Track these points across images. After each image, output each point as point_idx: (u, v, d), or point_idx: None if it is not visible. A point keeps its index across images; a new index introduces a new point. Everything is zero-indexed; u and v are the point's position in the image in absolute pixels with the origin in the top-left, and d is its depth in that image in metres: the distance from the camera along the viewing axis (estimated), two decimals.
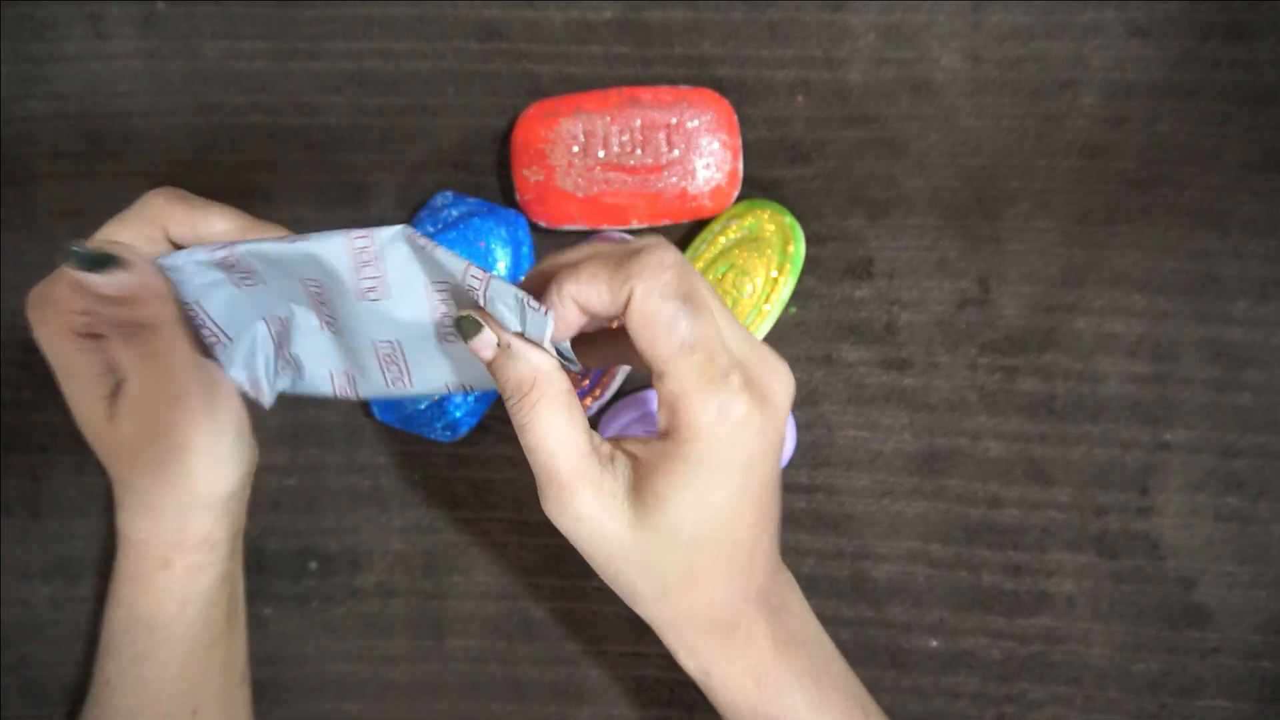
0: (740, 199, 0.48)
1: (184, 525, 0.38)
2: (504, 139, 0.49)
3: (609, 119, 0.46)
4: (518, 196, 0.47)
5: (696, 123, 0.46)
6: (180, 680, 0.39)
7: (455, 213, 0.47)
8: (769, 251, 0.46)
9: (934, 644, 0.48)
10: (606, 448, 0.34)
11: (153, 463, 0.36)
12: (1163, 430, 0.48)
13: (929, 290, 0.49)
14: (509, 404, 0.33)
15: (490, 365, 0.33)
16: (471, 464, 0.49)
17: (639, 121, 0.46)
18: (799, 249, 0.46)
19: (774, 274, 0.46)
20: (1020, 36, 0.48)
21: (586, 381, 0.47)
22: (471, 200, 0.48)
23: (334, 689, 0.49)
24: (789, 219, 0.46)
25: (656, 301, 0.31)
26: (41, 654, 0.49)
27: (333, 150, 0.49)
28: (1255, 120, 0.48)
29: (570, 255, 0.35)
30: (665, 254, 0.32)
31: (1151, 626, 0.48)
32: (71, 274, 0.31)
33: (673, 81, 0.49)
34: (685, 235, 0.49)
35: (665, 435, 0.33)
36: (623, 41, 0.49)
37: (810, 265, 0.49)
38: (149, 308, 0.33)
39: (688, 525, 0.33)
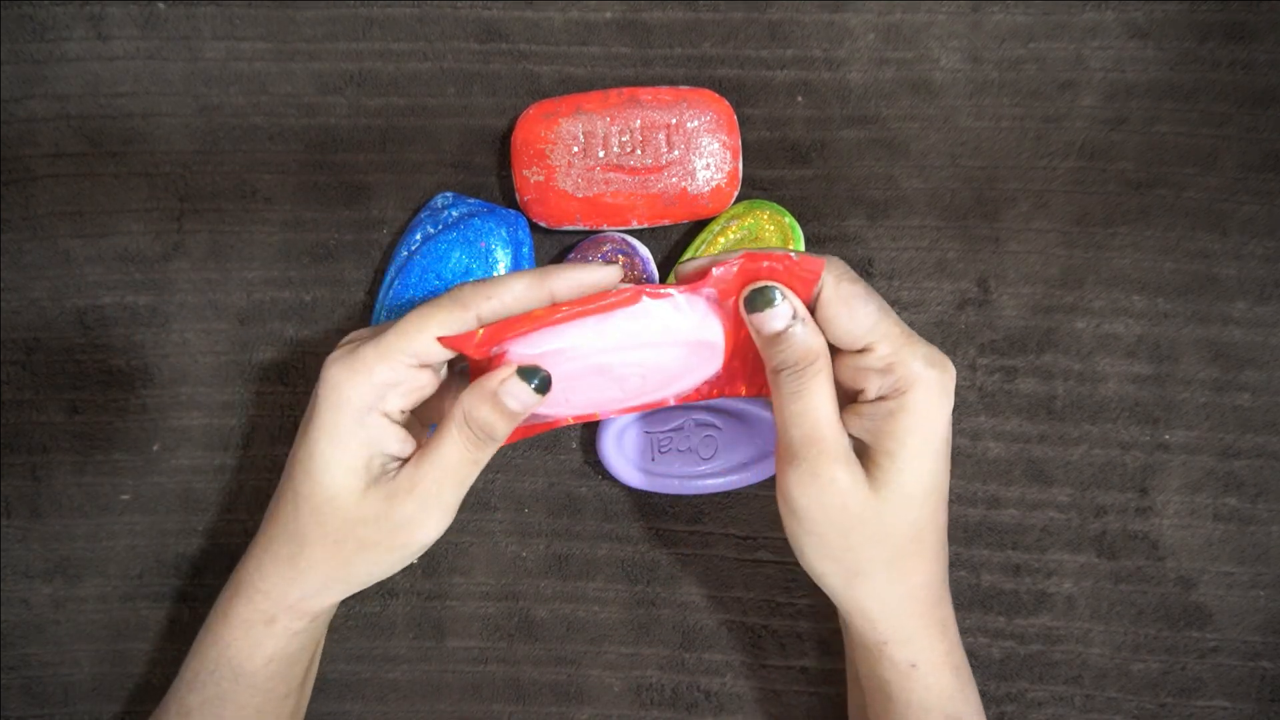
0: (740, 199, 0.48)
1: (310, 597, 0.39)
2: (504, 139, 0.49)
3: (609, 119, 0.46)
4: (518, 197, 0.47)
5: (696, 123, 0.46)
6: None
7: (456, 213, 0.47)
8: None
9: None
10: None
11: (368, 545, 0.37)
12: (1162, 431, 0.48)
13: (929, 291, 0.49)
14: (784, 374, 0.35)
15: (775, 336, 0.36)
16: None
17: (639, 122, 0.46)
18: (798, 249, 0.46)
19: None
20: (1020, 37, 0.48)
21: None
22: (472, 200, 0.48)
23: (335, 689, 0.49)
24: (789, 219, 0.46)
25: (848, 284, 0.35)
26: (42, 654, 0.49)
27: (333, 150, 0.49)
28: (1254, 121, 0.48)
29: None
30: (836, 258, 0.36)
31: (1151, 626, 0.48)
32: (516, 386, 0.35)
33: (673, 82, 0.49)
34: (685, 235, 0.49)
35: (884, 398, 0.35)
36: (623, 41, 0.49)
37: None
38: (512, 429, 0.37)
39: (919, 481, 0.35)
